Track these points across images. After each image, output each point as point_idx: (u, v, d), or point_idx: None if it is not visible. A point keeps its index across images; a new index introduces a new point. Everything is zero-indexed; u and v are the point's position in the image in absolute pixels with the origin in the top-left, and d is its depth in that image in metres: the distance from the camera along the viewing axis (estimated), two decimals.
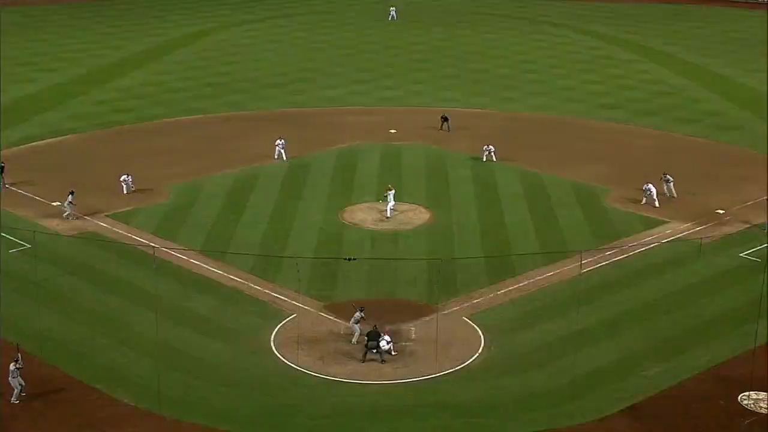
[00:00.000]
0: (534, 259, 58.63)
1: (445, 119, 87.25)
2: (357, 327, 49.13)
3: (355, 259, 55.17)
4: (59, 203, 66.49)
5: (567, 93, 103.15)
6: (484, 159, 77.52)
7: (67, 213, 64.39)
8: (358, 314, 49.26)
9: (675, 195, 69.08)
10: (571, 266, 56.30)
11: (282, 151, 77.61)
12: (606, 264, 58.56)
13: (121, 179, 69.75)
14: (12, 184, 70.68)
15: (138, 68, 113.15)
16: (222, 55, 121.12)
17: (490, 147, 78.03)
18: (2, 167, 70.65)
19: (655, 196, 67.65)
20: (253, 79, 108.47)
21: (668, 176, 69.96)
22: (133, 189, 69.77)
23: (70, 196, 64.52)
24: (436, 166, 77.37)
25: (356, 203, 68.78)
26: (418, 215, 66.60)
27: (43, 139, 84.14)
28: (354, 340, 49.22)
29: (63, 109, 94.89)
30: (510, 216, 66.45)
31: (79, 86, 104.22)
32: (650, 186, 67.99)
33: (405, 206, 67.53)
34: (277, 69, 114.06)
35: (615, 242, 61.59)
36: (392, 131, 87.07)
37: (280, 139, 78.09)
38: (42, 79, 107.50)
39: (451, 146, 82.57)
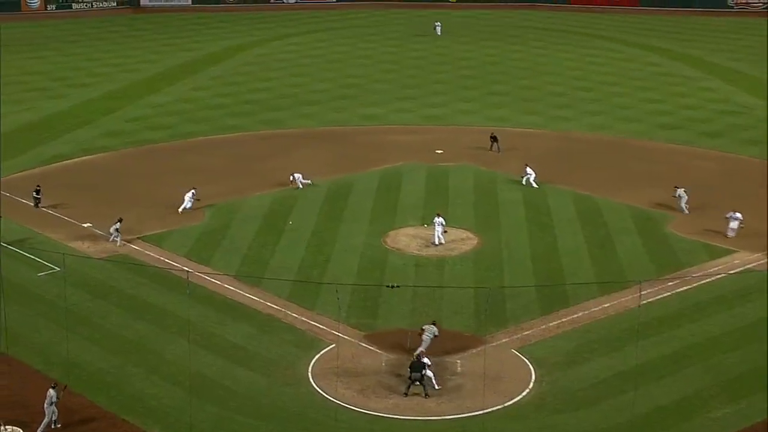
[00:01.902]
0: (589, 288, 57.50)
1: (494, 139, 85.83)
2: (428, 338, 49.14)
3: (398, 286, 53.97)
4: (90, 224, 66.36)
5: (624, 112, 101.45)
6: (524, 183, 75.48)
7: (113, 238, 63.68)
8: (431, 328, 49.28)
9: (686, 212, 68.70)
10: (629, 297, 55.33)
11: (303, 181, 75.06)
12: (667, 295, 57.18)
13: (190, 194, 69.27)
14: (47, 207, 69.78)
15: (173, 84, 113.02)
16: (260, 71, 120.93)
17: (528, 170, 75.81)
18: (38, 189, 70.29)
19: (735, 225, 65.04)
20: (292, 96, 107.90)
21: (678, 190, 69.83)
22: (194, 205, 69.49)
23: (118, 223, 63.94)
24: (485, 188, 76.14)
25: (400, 227, 67.79)
26: (465, 240, 65.57)
27: (74, 158, 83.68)
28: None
29: (95, 126, 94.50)
30: (563, 242, 65.27)
31: (112, 102, 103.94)
32: (737, 214, 65.28)
33: (452, 231, 66.24)
34: (318, 85, 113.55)
35: (677, 272, 60.33)
36: (439, 151, 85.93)
37: (291, 174, 75.26)
38: (74, 95, 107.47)
39: (501, 168, 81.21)
